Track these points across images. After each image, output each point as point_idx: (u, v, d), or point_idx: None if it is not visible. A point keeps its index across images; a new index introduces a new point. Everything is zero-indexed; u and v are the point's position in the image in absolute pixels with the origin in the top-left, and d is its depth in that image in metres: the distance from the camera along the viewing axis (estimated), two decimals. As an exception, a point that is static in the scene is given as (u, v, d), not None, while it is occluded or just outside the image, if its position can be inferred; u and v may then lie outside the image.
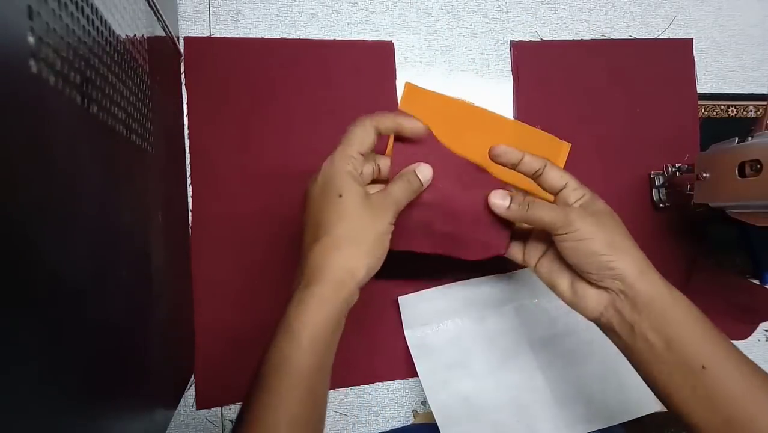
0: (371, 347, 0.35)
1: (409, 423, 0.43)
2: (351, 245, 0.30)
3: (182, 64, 0.42)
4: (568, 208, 0.33)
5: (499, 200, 0.33)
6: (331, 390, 0.42)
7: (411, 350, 0.42)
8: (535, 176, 0.34)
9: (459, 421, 0.41)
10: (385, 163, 0.34)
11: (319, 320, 0.28)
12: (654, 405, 0.43)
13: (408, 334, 0.42)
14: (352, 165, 0.31)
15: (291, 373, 0.28)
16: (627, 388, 0.43)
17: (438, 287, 0.43)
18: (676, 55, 0.48)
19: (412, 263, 0.43)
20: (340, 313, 0.29)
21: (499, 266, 0.45)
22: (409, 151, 0.35)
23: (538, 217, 0.32)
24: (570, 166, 0.45)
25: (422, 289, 0.43)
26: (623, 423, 0.42)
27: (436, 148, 0.36)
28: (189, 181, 0.41)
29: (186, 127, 0.41)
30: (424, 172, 0.34)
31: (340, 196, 0.30)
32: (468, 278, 0.44)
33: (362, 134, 0.31)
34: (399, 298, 0.41)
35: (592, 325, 0.45)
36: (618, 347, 0.33)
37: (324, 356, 0.29)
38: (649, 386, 0.32)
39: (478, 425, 0.41)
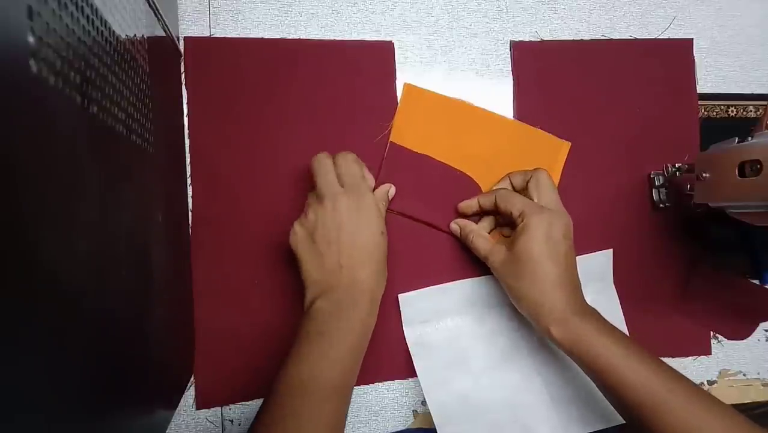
0: (371, 347, 0.35)
1: (409, 423, 0.43)
2: (382, 274, 0.37)
3: (182, 64, 0.42)
4: (496, 249, 0.39)
5: (453, 226, 0.43)
6: (331, 390, 0.42)
7: (410, 348, 0.42)
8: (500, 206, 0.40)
9: (456, 420, 0.41)
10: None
11: (362, 338, 0.34)
12: None
13: (407, 331, 0.42)
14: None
15: (318, 391, 0.31)
16: None
17: (439, 285, 0.43)
18: (676, 55, 0.48)
19: (413, 263, 0.43)
20: (372, 330, 0.35)
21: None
22: (399, 159, 0.43)
23: (474, 247, 0.41)
24: (570, 166, 0.46)
25: (423, 288, 0.43)
26: (620, 426, 0.42)
27: (422, 159, 0.44)
28: (189, 181, 0.41)
29: (186, 127, 0.41)
30: (391, 192, 0.42)
31: (382, 234, 0.36)
32: (469, 278, 0.44)
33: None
34: (399, 295, 0.41)
35: None
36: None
37: (353, 375, 0.33)
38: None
39: (475, 424, 0.41)
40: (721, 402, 0.32)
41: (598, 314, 0.36)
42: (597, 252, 0.45)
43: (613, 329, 0.35)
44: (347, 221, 0.35)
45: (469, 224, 0.42)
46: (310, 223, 0.36)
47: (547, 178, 0.39)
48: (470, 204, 0.42)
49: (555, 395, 0.42)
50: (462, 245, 0.43)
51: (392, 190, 0.42)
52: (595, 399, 0.42)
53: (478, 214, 0.43)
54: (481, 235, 0.41)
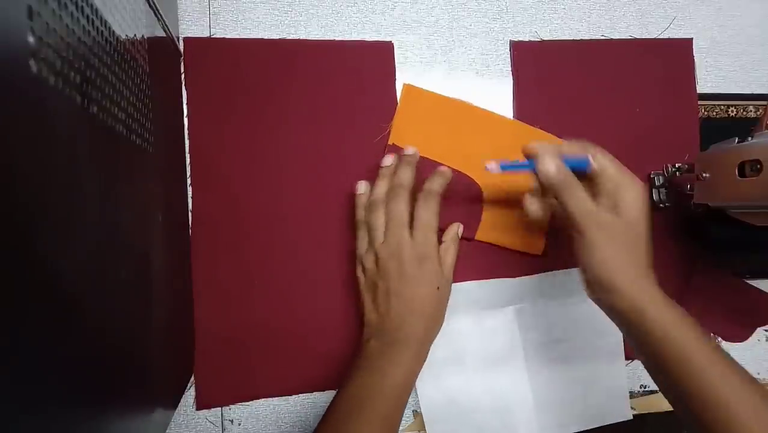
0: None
1: (409, 423, 0.43)
2: (437, 323, 0.39)
3: (182, 64, 0.42)
4: (598, 209, 0.35)
5: (552, 168, 0.35)
6: (332, 390, 0.43)
7: None
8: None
9: (444, 418, 0.42)
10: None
11: (408, 376, 0.36)
12: (627, 413, 0.45)
13: None
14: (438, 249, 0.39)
15: (379, 406, 0.34)
16: (607, 394, 0.45)
17: None
18: (676, 55, 0.48)
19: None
20: (418, 374, 0.37)
21: (505, 270, 0.45)
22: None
23: (567, 196, 0.35)
24: (570, 166, 0.46)
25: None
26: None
27: (421, 160, 0.43)
28: (189, 181, 0.41)
29: (186, 127, 0.41)
30: (460, 231, 0.43)
31: (438, 289, 0.38)
32: (474, 280, 0.44)
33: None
34: None
35: (588, 332, 0.46)
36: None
37: (397, 410, 0.36)
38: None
39: (461, 423, 0.42)
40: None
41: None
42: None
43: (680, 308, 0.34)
44: (408, 275, 0.37)
45: (570, 173, 0.35)
46: (372, 265, 0.38)
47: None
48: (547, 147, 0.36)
49: (540, 399, 0.44)
50: (463, 244, 0.43)
51: (461, 229, 0.42)
52: (577, 403, 0.44)
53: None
54: (582, 188, 0.35)
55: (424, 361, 0.38)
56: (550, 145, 0.36)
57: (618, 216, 0.35)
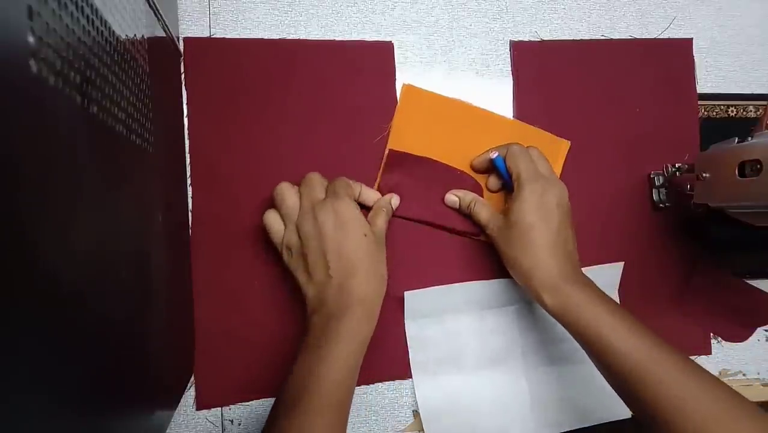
0: (372, 348, 0.35)
1: (409, 423, 0.43)
2: (377, 278, 0.36)
3: (182, 64, 0.42)
4: (495, 216, 0.39)
5: (451, 198, 0.42)
6: (331, 390, 0.42)
7: (408, 341, 0.43)
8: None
9: (441, 416, 0.42)
10: (366, 191, 0.41)
11: (354, 347, 0.33)
12: (627, 412, 0.44)
13: (408, 325, 0.43)
14: (359, 209, 0.37)
15: (310, 405, 0.31)
16: (606, 393, 0.45)
17: (445, 285, 0.43)
18: (676, 55, 0.48)
19: (417, 265, 0.43)
20: (368, 337, 0.34)
21: (504, 271, 0.45)
22: (398, 162, 0.43)
23: (475, 213, 0.41)
24: (570, 166, 0.46)
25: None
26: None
27: (421, 160, 0.44)
28: (189, 181, 0.41)
29: (186, 127, 0.41)
30: (395, 201, 0.42)
31: (365, 235, 0.35)
32: (475, 280, 0.44)
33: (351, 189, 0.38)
34: (405, 292, 0.41)
35: None
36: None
37: (354, 377, 0.34)
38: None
39: (459, 423, 0.42)
40: (710, 374, 0.32)
41: (593, 284, 0.36)
42: (607, 264, 0.44)
43: (605, 299, 0.35)
44: (329, 229, 0.35)
45: (468, 193, 0.42)
46: (295, 239, 0.36)
47: (540, 152, 0.41)
48: (483, 158, 0.42)
49: (537, 398, 0.44)
50: (465, 244, 0.43)
51: (395, 199, 0.41)
52: (572, 401, 0.44)
53: (484, 172, 0.44)
54: (482, 202, 0.41)
55: (375, 323, 0.35)
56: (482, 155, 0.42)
57: (505, 217, 0.37)
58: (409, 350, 0.43)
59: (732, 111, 0.49)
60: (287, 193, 0.37)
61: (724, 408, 0.30)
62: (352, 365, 0.33)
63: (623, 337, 0.33)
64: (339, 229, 0.35)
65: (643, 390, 0.31)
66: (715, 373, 0.48)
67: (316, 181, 0.38)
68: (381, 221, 0.39)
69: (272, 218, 0.38)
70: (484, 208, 0.40)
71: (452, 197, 0.42)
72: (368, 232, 0.36)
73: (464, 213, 0.42)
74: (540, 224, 0.36)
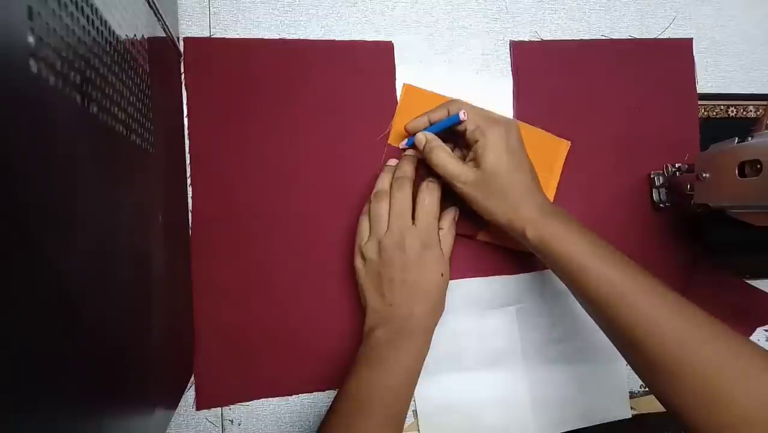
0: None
1: (409, 424, 0.43)
2: (440, 311, 0.39)
3: (182, 64, 0.42)
4: (466, 169, 0.37)
5: (420, 137, 0.39)
6: (332, 390, 0.43)
7: None
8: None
9: (441, 415, 0.42)
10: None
11: (417, 367, 0.36)
12: (627, 412, 0.45)
13: None
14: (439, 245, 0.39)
15: (387, 403, 0.34)
16: (606, 392, 0.45)
17: None
18: (676, 55, 0.48)
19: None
20: (424, 361, 0.37)
21: (507, 268, 0.45)
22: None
23: (441, 165, 0.37)
24: (570, 166, 0.46)
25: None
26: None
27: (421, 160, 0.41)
28: (189, 181, 0.41)
29: (186, 127, 0.41)
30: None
31: (442, 275, 0.38)
32: (475, 277, 0.44)
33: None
34: None
35: (588, 333, 0.46)
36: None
37: (411, 393, 0.36)
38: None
39: (457, 421, 0.42)
40: (685, 300, 0.32)
41: (569, 215, 0.37)
42: None
43: (583, 229, 0.35)
44: (412, 263, 0.37)
45: (435, 138, 0.38)
46: (375, 255, 0.38)
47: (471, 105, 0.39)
48: (420, 121, 0.40)
49: (538, 397, 0.44)
50: (464, 244, 0.43)
51: (456, 213, 0.41)
52: (572, 401, 0.44)
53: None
54: (448, 152, 0.38)
55: (428, 349, 0.37)
56: (420, 117, 0.40)
57: (479, 169, 0.36)
58: None
59: (732, 111, 0.49)
60: (383, 203, 0.39)
61: (695, 328, 0.30)
62: (413, 381, 0.36)
63: (599, 263, 0.33)
64: (420, 262, 0.37)
65: (617, 315, 0.32)
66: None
67: (407, 189, 0.39)
68: (448, 245, 0.40)
69: (365, 226, 0.39)
70: (452, 161, 0.37)
71: (420, 136, 0.39)
72: (445, 272, 0.38)
73: (425, 160, 0.39)
74: (514, 166, 0.36)
